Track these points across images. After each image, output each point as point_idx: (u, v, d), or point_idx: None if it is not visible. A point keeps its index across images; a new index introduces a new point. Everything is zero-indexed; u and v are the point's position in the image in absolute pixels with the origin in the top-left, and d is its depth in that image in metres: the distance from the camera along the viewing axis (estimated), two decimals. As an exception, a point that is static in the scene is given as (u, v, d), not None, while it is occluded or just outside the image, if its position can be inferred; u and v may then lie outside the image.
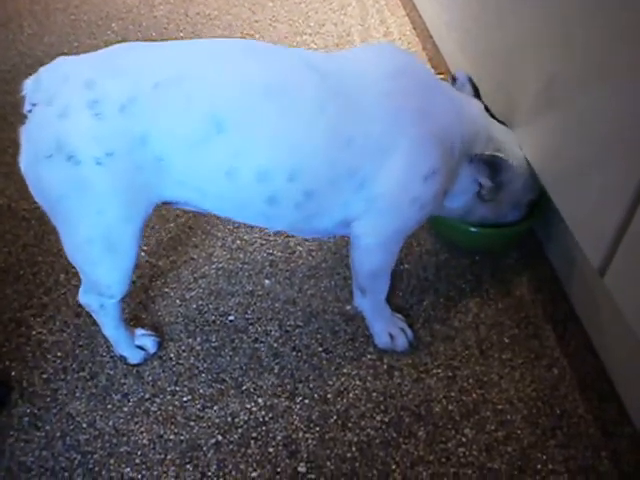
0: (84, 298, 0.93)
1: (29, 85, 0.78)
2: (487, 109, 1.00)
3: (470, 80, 1.01)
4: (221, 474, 0.87)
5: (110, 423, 0.93)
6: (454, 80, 1.02)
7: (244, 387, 0.97)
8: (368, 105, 0.81)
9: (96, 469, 0.88)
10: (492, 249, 1.19)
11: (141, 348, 1.00)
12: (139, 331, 1.02)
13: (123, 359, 1.00)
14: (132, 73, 0.76)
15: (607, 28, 0.75)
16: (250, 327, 1.06)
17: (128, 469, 0.88)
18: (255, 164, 0.79)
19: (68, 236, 0.83)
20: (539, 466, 0.87)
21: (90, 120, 0.73)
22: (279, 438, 0.91)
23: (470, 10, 1.33)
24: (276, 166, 0.79)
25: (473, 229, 1.09)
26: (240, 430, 0.92)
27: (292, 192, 0.81)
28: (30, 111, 0.77)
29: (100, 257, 0.83)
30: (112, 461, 0.88)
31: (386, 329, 1.00)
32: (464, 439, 0.90)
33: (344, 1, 2.02)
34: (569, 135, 0.88)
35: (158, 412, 0.94)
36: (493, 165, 0.92)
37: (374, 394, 0.96)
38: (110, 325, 0.96)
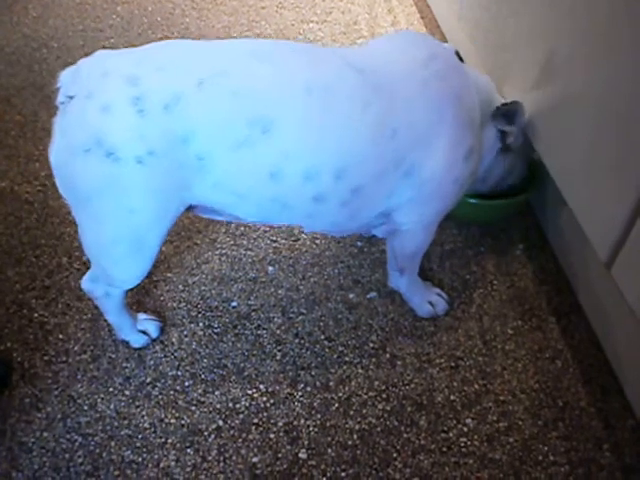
0: (89, 285, 0.92)
1: (66, 76, 0.76)
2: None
3: (457, 53, 1.00)
4: (222, 459, 0.87)
5: (111, 406, 0.93)
6: None
7: (246, 373, 0.97)
8: (409, 96, 0.82)
9: (97, 451, 0.88)
10: (489, 221, 1.21)
11: (143, 332, 1.00)
12: (141, 316, 1.02)
13: (125, 343, 1.00)
14: (175, 70, 0.74)
15: (632, 16, 0.74)
16: (253, 314, 1.06)
17: (129, 452, 0.88)
18: (301, 165, 0.78)
19: (94, 234, 0.81)
20: (540, 457, 0.86)
21: (133, 117, 0.71)
22: (280, 424, 0.91)
23: (482, 0, 1.31)
24: (323, 166, 0.79)
25: (472, 200, 1.10)
26: (241, 416, 0.92)
27: (339, 190, 0.81)
28: (63, 103, 0.75)
29: (124, 256, 0.82)
30: (113, 444, 0.88)
31: (425, 299, 1.04)
32: (466, 429, 0.90)
33: (352, -11, 2.01)
34: (578, 125, 0.88)
35: (159, 396, 0.94)
36: (510, 111, 0.95)
37: (376, 382, 0.96)
38: (113, 311, 0.95)
